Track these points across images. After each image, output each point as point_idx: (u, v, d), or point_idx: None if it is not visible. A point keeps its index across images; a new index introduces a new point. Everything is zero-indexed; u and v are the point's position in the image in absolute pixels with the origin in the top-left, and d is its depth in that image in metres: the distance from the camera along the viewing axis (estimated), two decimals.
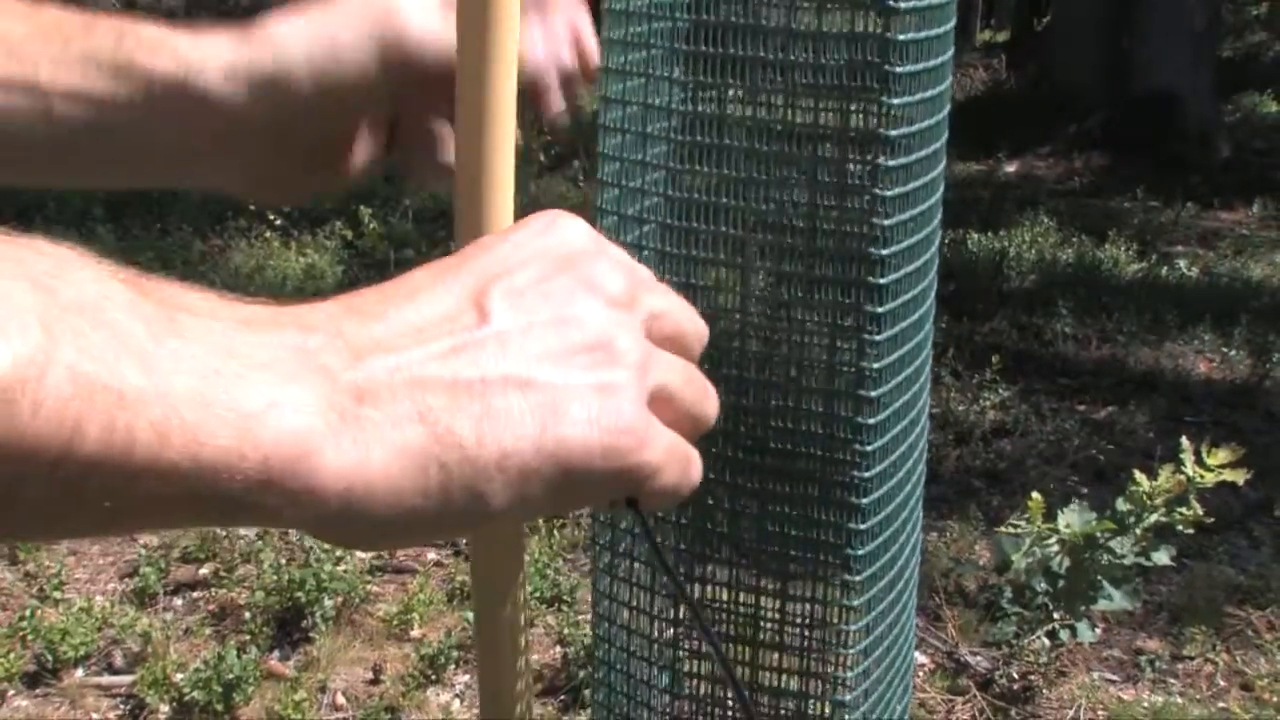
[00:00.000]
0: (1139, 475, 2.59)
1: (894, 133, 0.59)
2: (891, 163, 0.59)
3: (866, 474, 0.63)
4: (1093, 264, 5.48)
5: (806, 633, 0.68)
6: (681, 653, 0.71)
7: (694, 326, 0.47)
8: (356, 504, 0.38)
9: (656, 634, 0.70)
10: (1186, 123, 7.56)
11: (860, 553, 0.64)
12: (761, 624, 0.69)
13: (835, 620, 0.67)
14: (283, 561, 2.94)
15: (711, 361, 0.62)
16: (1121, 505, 2.62)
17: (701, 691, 0.72)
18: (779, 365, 0.63)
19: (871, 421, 0.62)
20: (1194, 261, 5.78)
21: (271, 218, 5.19)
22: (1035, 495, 2.67)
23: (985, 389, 4.10)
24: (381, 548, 0.40)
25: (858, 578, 0.65)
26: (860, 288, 0.60)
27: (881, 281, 0.60)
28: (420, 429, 0.39)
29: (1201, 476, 2.46)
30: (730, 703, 0.71)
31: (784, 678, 0.69)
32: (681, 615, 0.70)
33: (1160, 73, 7.63)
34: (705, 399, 0.47)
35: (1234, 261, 5.83)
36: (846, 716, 0.68)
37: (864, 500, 0.63)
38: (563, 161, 6.44)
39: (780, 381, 0.64)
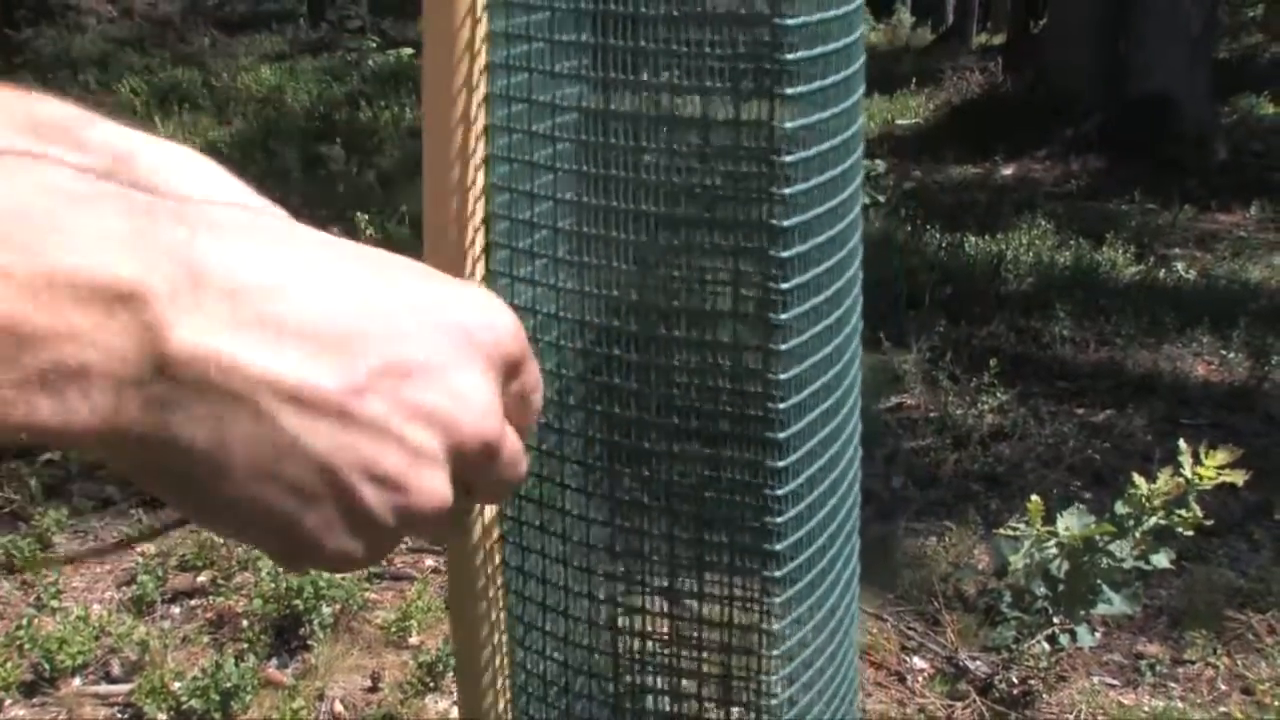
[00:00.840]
0: (1138, 478, 2.59)
1: (789, 90, 0.57)
2: (789, 125, 0.57)
3: (781, 463, 0.61)
4: (1090, 267, 5.48)
5: (730, 606, 0.66)
6: (601, 647, 0.69)
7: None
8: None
9: (570, 633, 0.68)
10: (1183, 125, 7.57)
11: (781, 519, 0.61)
12: (680, 600, 0.67)
13: (761, 593, 0.64)
14: (280, 569, 2.94)
15: (613, 346, 0.61)
16: (1120, 508, 2.62)
17: (620, 691, 0.70)
18: (687, 347, 0.61)
19: (783, 407, 0.60)
20: (1192, 264, 5.78)
21: None
22: (1034, 498, 2.67)
23: (983, 392, 4.09)
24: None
25: (780, 545, 0.62)
26: (762, 259, 0.58)
27: (785, 254, 0.58)
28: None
29: (1200, 479, 2.46)
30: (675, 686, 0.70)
31: (709, 655, 0.67)
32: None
33: (1156, 75, 7.65)
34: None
35: (1232, 264, 5.83)
36: (776, 698, 0.66)
37: (780, 490, 0.61)
38: None
39: (686, 338, 0.61)
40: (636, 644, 0.67)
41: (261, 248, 0.39)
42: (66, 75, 9.66)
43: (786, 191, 0.55)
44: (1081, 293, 5.15)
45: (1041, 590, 2.74)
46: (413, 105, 8.03)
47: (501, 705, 0.58)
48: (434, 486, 0.41)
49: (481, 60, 0.56)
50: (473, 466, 0.43)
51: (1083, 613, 2.69)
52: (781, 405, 0.59)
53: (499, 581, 0.63)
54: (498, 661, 0.60)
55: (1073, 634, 2.73)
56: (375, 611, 2.92)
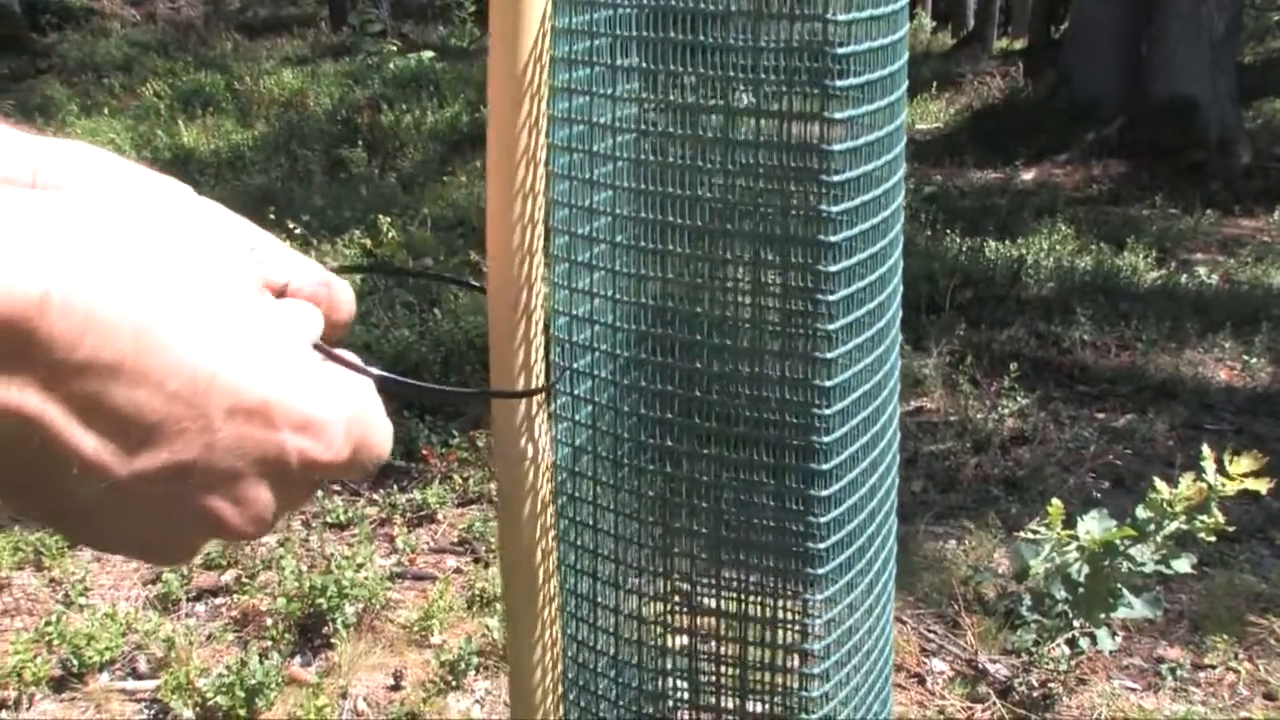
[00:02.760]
0: (1159, 483, 2.59)
1: (840, 115, 0.59)
2: (838, 147, 0.59)
3: (826, 465, 0.62)
4: (1111, 271, 5.46)
5: (773, 627, 0.67)
6: (647, 662, 0.71)
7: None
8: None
9: (619, 650, 0.70)
10: (1206, 129, 7.55)
11: (823, 546, 0.63)
12: (726, 619, 0.68)
13: (803, 614, 0.66)
14: (304, 568, 2.96)
15: (668, 356, 0.62)
16: (1142, 513, 2.62)
17: (664, 703, 0.72)
18: (737, 357, 0.63)
19: (829, 412, 0.61)
20: (1214, 269, 5.76)
21: (291, 225, 5.22)
22: (1055, 502, 2.67)
23: (1003, 396, 4.09)
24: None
25: (822, 570, 0.64)
26: (811, 274, 0.60)
27: (833, 269, 0.60)
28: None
29: (1223, 484, 2.46)
30: (717, 698, 0.71)
31: (752, 673, 0.69)
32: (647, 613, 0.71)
33: (1179, 79, 7.62)
34: None
35: (1255, 269, 5.81)
36: (816, 712, 0.68)
37: (825, 492, 0.63)
38: None
39: (738, 352, 0.63)
40: (681, 642, 0.68)
41: (106, 303, 0.38)
42: (91, 79, 9.74)
43: (835, 209, 0.56)
44: (1102, 297, 5.14)
45: (1062, 594, 2.74)
46: (434, 108, 8.06)
47: (550, 701, 0.59)
48: (177, 558, 0.46)
49: (544, 73, 0.58)
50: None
51: (1103, 616, 2.69)
52: (827, 410, 0.60)
53: (553, 579, 0.65)
54: (548, 659, 0.62)
55: (1093, 637, 2.73)
56: (398, 611, 2.94)
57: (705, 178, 0.59)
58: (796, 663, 0.66)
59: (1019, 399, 4.08)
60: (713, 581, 0.65)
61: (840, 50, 0.55)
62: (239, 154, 7.38)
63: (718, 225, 0.59)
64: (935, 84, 10.01)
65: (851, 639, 0.69)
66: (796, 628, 0.66)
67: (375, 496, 3.48)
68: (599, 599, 0.66)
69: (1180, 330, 4.85)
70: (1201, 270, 5.68)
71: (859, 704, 0.71)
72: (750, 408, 0.62)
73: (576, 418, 0.64)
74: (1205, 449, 2.53)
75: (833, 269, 0.58)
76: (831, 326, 0.59)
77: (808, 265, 0.58)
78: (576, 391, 0.63)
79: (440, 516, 3.39)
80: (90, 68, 10.21)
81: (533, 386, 0.62)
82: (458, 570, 3.16)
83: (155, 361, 0.40)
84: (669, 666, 0.69)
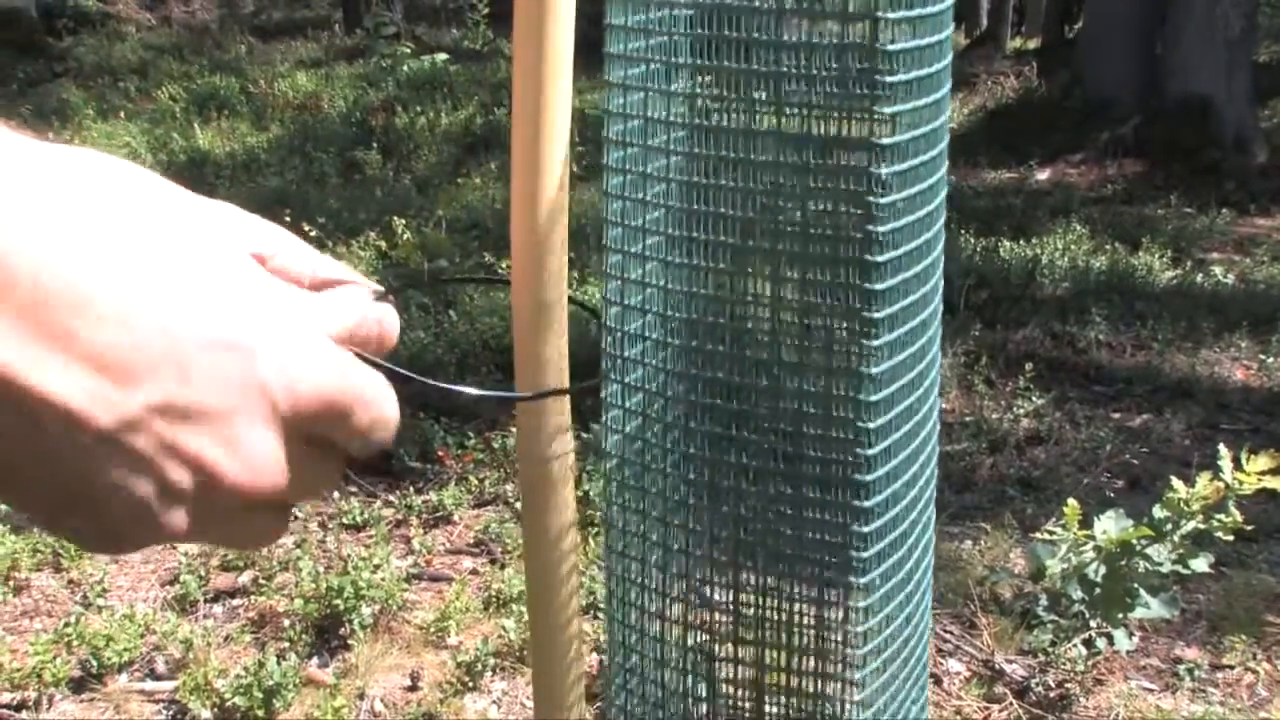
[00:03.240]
0: (1176, 482, 2.58)
1: (888, 140, 0.60)
2: (885, 170, 0.60)
3: (869, 476, 0.63)
4: (1126, 271, 5.45)
5: (815, 634, 0.69)
6: (691, 667, 0.72)
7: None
8: None
9: (663, 654, 0.71)
10: (1222, 128, 7.52)
11: (866, 554, 0.64)
12: (769, 626, 0.69)
13: (844, 620, 0.67)
14: (321, 569, 2.98)
15: (714, 367, 0.63)
16: (1159, 512, 2.61)
17: (723, 693, 0.72)
18: (783, 369, 0.64)
19: (873, 425, 0.62)
20: (1230, 268, 5.74)
21: (306, 227, 5.24)
22: (1071, 502, 2.67)
23: (1019, 396, 4.09)
24: None
25: (864, 579, 0.65)
26: (857, 292, 0.61)
27: (878, 287, 0.61)
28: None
29: (1241, 483, 2.45)
30: (759, 705, 0.72)
31: (797, 679, 0.69)
32: (699, 621, 0.71)
33: (1195, 78, 7.60)
34: None
35: (1271, 268, 5.78)
36: (859, 694, 0.68)
37: (868, 502, 0.64)
38: (594, 173, 6.49)
39: (783, 384, 0.64)
40: (719, 645, 0.69)
41: (76, 246, 0.38)
42: (107, 83, 9.79)
43: (883, 200, 0.57)
44: (1117, 297, 5.13)
45: (1078, 594, 2.74)
46: (448, 110, 8.08)
47: (573, 697, 0.60)
48: (173, 523, 0.42)
49: (567, 83, 0.58)
50: (253, 507, 0.44)
51: (1120, 616, 2.68)
52: (872, 424, 0.61)
53: (575, 579, 0.65)
54: (571, 656, 0.63)
55: (1110, 638, 2.72)
56: (414, 612, 2.95)
57: (756, 171, 0.59)
58: (841, 669, 0.67)
59: (1034, 399, 4.07)
60: (758, 585, 0.66)
61: (891, 48, 0.56)
62: (254, 156, 7.41)
63: (768, 218, 0.60)
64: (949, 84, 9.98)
65: (891, 645, 0.69)
66: (840, 634, 0.66)
67: (391, 498, 3.49)
68: (646, 582, 0.66)
69: (1196, 330, 4.84)
70: (1217, 270, 5.66)
71: (897, 710, 0.71)
72: (794, 422, 0.62)
73: (627, 405, 0.65)
74: (1222, 448, 2.53)
75: (879, 286, 0.58)
76: (879, 314, 0.59)
77: (854, 284, 0.58)
78: (628, 380, 0.64)
79: (456, 518, 3.40)
80: (106, 71, 10.27)
81: (556, 387, 0.62)
82: (474, 571, 3.17)
83: (122, 296, 0.39)
84: (711, 671, 0.69)
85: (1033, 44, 12.43)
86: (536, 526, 0.62)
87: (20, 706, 2.59)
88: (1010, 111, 8.85)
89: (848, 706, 0.68)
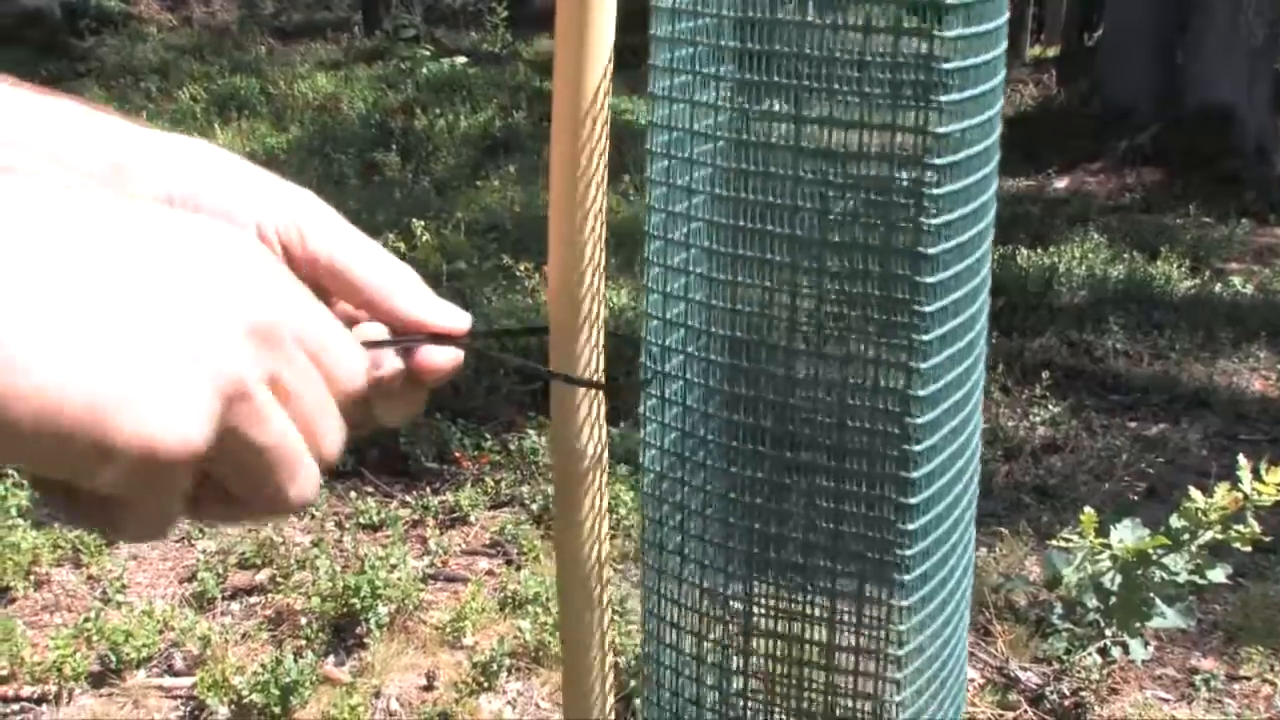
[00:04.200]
0: (1194, 492, 2.57)
1: (943, 129, 0.60)
2: (940, 160, 0.60)
3: (914, 474, 0.64)
4: (1144, 280, 5.44)
5: (858, 632, 0.69)
6: (732, 666, 0.72)
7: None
8: None
9: (703, 653, 0.71)
10: (1243, 137, 7.49)
11: (910, 553, 0.65)
12: (813, 624, 0.70)
13: (887, 619, 0.68)
14: (338, 569, 2.99)
15: (758, 361, 0.64)
16: (1176, 522, 2.61)
17: (748, 707, 0.73)
18: (828, 365, 0.64)
19: (920, 420, 0.63)
20: (1249, 278, 5.72)
21: None
22: (1088, 510, 2.67)
23: (1035, 405, 4.08)
24: None
25: (908, 576, 0.65)
26: (908, 285, 0.61)
27: (930, 280, 0.61)
28: None
29: (1259, 493, 2.44)
30: (798, 704, 0.72)
31: (839, 677, 0.70)
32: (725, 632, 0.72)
33: (1216, 87, 7.57)
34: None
35: None
36: (899, 695, 0.69)
37: (914, 500, 0.64)
38: (611, 175, 6.49)
39: (829, 381, 0.64)
40: (765, 645, 0.70)
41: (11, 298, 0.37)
42: (129, 83, 9.85)
43: (934, 222, 0.58)
44: (1135, 306, 5.12)
45: (1094, 603, 2.74)
46: (467, 113, 8.11)
47: (600, 687, 0.60)
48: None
49: (605, 91, 0.59)
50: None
51: (1136, 625, 2.68)
52: (919, 420, 0.61)
53: (607, 579, 0.66)
54: (602, 656, 0.63)
55: (1125, 647, 2.72)
56: (430, 612, 2.96)
57: (804, 188, 0.60)
58: (883, 668, 0.67)
59: (1051, 407, 4.07)
60: (800, 583, 0.67)
61: (947, 65, 0.57)
62: (273, 157, 7.44)
63: (818, 236, 0.61)
64: None
65: (932, 645, 0.70)
66: (882, 633, 0.67)
67: (408, 499, 3.51)
68: (683, 600, 0.67)
69: (1214, 340, 4.82)
70: (1236, 280, 5.64)
71: (936, 710, 0.72)
72: (840, 415, 0.63)
73: (665, 420, 0.66)
74: (1241, 458, 2.52)
75: (930, 280, 0.59)
76: (926, 337, 0.60)
77: (905, 277, 0.59)
78: (667, 394, 0.64)
79: (472, 519, 3.42)
80: (128, 71, 10.32)
81: (595, 379, 0.63)
82: (490, 572, 3.19)
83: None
84: (750, 668, 0.70)
85: (1052, 52, 12.40)
86: (568, 518, 0.63)
87: (41, 700, 2.62)
88: (1029, 119, 8.83)
89: (888, 706, 0.69)
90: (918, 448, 0.63)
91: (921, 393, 0.62)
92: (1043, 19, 14.30)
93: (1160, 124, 7.74)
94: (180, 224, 0.43)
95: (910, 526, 0.63)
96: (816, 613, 0.68)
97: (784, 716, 0.70)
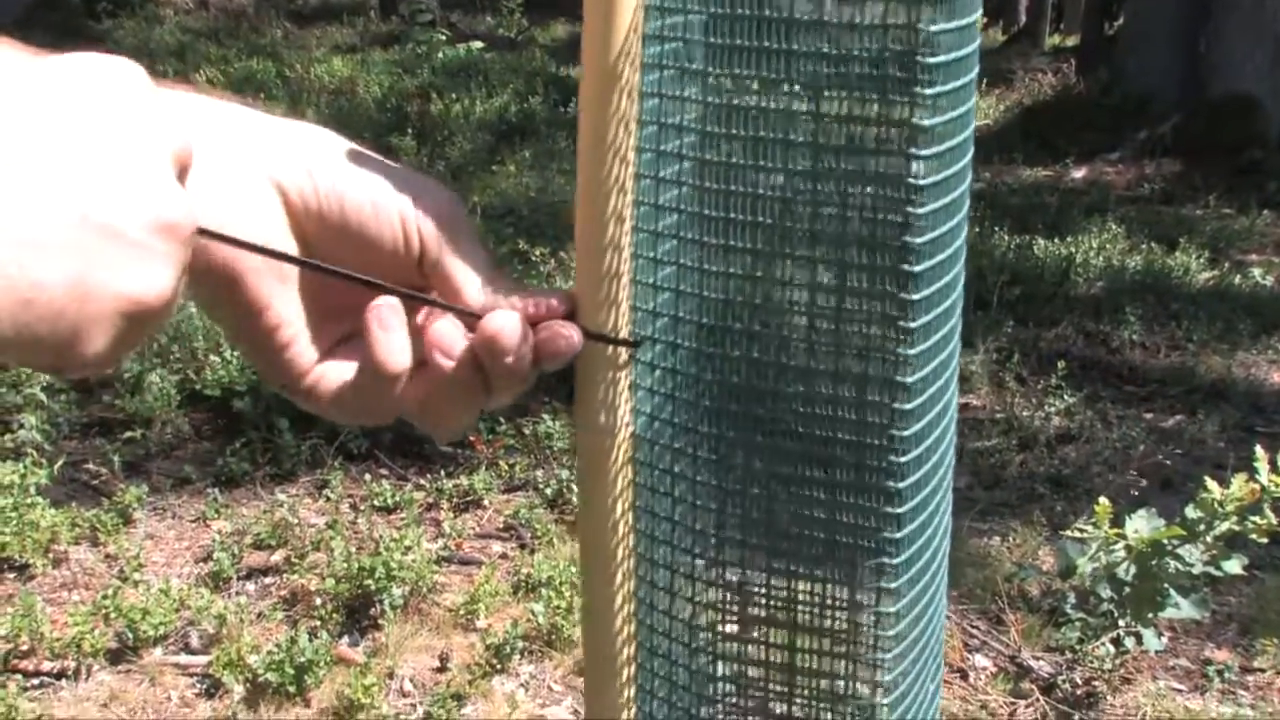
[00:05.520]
0: (1211, 483, 2.57)
1: (928, 122, 0.60)
2: (925, 151, 0.60)
3: (903, 459, 0.64)
4: (1162, 271, 5.41)
5: (844, 615, 0.69)
6: (720, 648, 0.72)
7: None
8: None
9: (694, 640, 0.71)
10: (1265, 127, 7.43)
11: (898, 535, 0.65)
12: (799, 608, 0.70)
13: (874, 603, 0.67)
14: (352, 550, 3.01)
15: (747, 348, 0.63)
16: (1191, 513, 2.60)
17: (734, 690, 0.72)
18: (817, 352, 0.64)
19: (908, 407, 0.63)
20: (1269, 270, 5.68)
21: None
22: (1103, 500, 2.66)
23: (1050, 394, 4.07)
24: None
25: (896, 560, 0.65)
26: (895, 275, 0.61)
27: (917, 269, 0.61)
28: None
29: (1277, 485, 2.43)
30: (789, 701, 0.72)
31: (823, 660, 0.70)
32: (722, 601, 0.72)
33: (1239, 76, 7.51)
34: None
35: None
36: (887, 698, 0.69)
37: (902, 484, 0.64)
38: None
39: (816, 366, 0.64)
40: (742, 648, 0.70)
41: None
42: (146, 66, 9.84)
43: (920, 211, 0.58)
44: (1153, 297, 5.09)
45: (1107, 593, 2.73)
46: (482, 98, 8.11)
47: (626, 678, 0.61)
48: None
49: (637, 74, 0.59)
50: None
51: (1150, 616, 2.67)
52: (904, 431, 0.61)
53: (631, 559, 0.66)
54: (625, 635, 0.64)
55: (1138, 637, 2.72)
56: (444, 594, 2.98)
57: (795, 180, 0.60)
58: (868, 672, 0.68)
59: (1066, 397, 4.06)
60: (790, 569, 0.67)
61: (930, 60, 0.57)
62: None
63: (803, 226, 0.60)
64: (985, 81, 9.93)
65: (915, 647, 0.70)
66: (870, 638, 0.67)
67: (422, 481, 3.52)
68: (676, 566, 0.67)
69: (1232, 332, 4.80)
70: (1256, 272, 5.60)
71: (919, 708, 0.72)
72: (825, 421, 0.63)
73: (652, 385, 0.66)
74: (1259, 449, 2.51)
75: (917, 268, 0.59)
76: (914, 324, 0.60)
77: (892, 267, 0.59)
78: (655, 359, 0.64)
79: (486, 502, 3.43)
80: (145, 54, 10.34)
81: (619, 336, 0.63)
82: (503, 556, 3.20)
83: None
84: (726, 672, 0.70)
85: (1071, 41, 12.33)
86: (593, 493, 0.63)
87: (60, 675, 2.64)
88: (1047, 108, 8.78)
89: (878, 709, 0.69)
90: (906, 432, 0.63)
91: (909, 379, 0.62)
92: (1062, 8, 14.22)
93: (1181, 114, 7.69)
94: (59, 74, 0.46)
95: (899, 510, 0.63)
96: (801, 594, 0.68)
97: (764, 717, 0.70)
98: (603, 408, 0.62)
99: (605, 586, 0.65)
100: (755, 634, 0.71)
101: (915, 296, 0.59)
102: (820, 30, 0.58)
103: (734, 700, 0.72)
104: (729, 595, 0.70)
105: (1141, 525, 2.67)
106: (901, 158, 0.57)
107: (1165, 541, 2.60)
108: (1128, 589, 2.69)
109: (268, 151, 0.55)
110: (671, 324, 0.63)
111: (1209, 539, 2.58)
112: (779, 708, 0.71)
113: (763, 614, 0.70)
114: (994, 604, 2.99)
